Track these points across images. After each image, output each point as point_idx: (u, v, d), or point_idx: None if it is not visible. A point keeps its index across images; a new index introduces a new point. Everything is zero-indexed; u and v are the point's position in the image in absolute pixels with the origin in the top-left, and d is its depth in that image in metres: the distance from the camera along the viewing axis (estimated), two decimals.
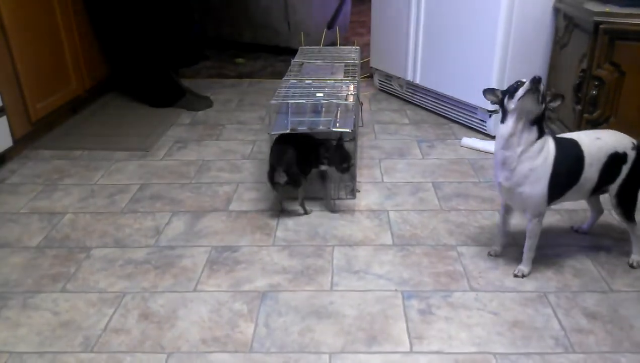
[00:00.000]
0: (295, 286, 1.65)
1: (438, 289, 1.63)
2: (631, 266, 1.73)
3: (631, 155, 1.64)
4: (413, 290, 1.63)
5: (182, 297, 1.62)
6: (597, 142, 1.63)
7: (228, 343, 1.44)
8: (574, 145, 1.62)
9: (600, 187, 1.66)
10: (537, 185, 1.56)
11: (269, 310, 1.54)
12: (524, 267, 1.69)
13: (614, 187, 1.66)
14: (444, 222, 1.99)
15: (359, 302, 1.59)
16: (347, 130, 2.01)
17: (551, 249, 1.82)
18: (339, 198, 1.85)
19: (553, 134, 1.65)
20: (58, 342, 1.45)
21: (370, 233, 1.92)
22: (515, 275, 1.68)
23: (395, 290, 1.63)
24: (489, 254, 1.79)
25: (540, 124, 1.53)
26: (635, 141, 1.66)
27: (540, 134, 1.53)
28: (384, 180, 2.31)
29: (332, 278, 1.68)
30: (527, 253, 1.68)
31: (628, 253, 1.78)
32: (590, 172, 1.61)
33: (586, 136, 1.65)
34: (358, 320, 1.52)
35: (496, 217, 1.97)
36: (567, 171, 1.59)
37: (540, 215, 1.62)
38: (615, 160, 1.63)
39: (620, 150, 1.63)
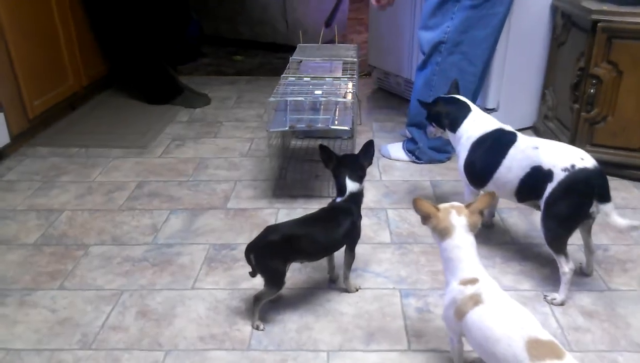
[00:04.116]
0: (293, 284, 1.65)
1: (436, 287, 1.64)
2: (544, 297, 1.58)
3: (558, 175, 1.48)
4: (411, 288, 1.64)
5: (180, 294, 1.62)
6: (529, 151, 1.57)
7: (226, 340, 1.44)
8: (501, 143, 1.65)
9: (526, 196, 1.61)
10: (459, 160, 1.79)
11: (266, 307, 1.53)
12: None
13: (541, 204, 1.54)
14: None
15: (357, 300, 1.59)
16: (346, 127, 2.01)
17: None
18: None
19: (501, 128, 1.72)
20: (56, 340, 1.45)
21: (369, 231, 1.92)
22: None
23: (393, 288, 1.64)
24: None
25: (449, 120, 1.80)
26: (577, 164, 1.46)
27: (455, 125, 1.78)
28: (382, 179, 2.31)
29: (330, 276, 1.68)
30: None
31: (625, 252, 1.79)
32: (508, 175, 1.61)
33: (528, 142, 1.61)
34: (356, 318, 1.52)
35: (496, 215, 1.97)
36: (480, 160, 1.70)
37: (466, 185, 1.79)
38: (537, 174, 1.53)
39: (547, 166, 1.50)
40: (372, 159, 1.59)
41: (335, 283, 1.66)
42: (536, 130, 2.73)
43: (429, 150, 2.41)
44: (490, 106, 2.67)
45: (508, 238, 1.88)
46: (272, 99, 2.00)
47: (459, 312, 1.17)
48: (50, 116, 2.85)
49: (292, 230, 1.49)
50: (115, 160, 2.51)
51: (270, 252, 1.44)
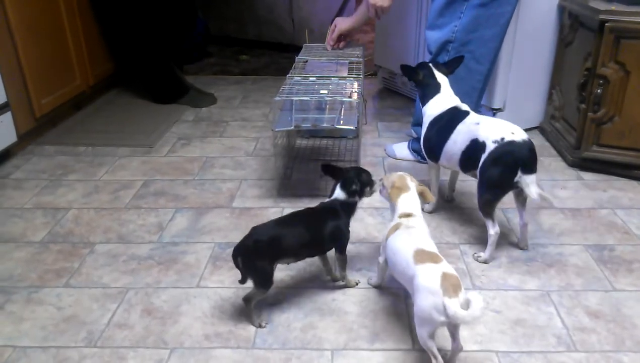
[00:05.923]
0: (297, 282, 1.65)
1: None
2: (473, 254, 1.77)
3: (489, 147, 1.67)
4: None
5: (185, 292, 1.62)
6: (471, 126, 1.76)
7: (231, 339, 1.45)
8: (453, 120, 1.83)
9: (467, 166, 1.79)
10: (421, 136, 1.96)
11: (271, 306, 1.54)
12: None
13: (477, 173, 1.72)
14: (447, 220, 1.99)
15: (362, 299, 1.59)
16: (351, 127, 2.01)
17: (554, 248, 1.82)
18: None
19: (458, 107, 1.87)
20: (61, 337, 1.46)
21: (373, 230, 1.92)
22: None
23: (398, 287, 1.63)
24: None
25: (421, 93, 1.95)
26: (507, 138, 1.65)
27: (424, 101, 1.93)
28: None
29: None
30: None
31: (631, 253, 1.78)
32: (454, 147, 1.81)
33: (473, 119, 1.79)
34: (360, 317, 1.52)
35: (499, 214, 1.97)
36: (434, 135, 1.88)
37: (427, 158, 1.98)
38: (474, 146, 1.72)
39: (482, 139, 1.70)
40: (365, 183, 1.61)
41: (337, 281, 1.65)
42: (543, 130, 2.72)
43: None
44: (496, 106, 2.66)
45: (514, 238, 1.87)
46: (277, 98, 2.01)
47: (387, 235, 1.49)
48: (57, 115, 2.87)
49: (276, 230, 1.50)
50: (122, 159, 2.52)
51: (256, 253, 1.44)
